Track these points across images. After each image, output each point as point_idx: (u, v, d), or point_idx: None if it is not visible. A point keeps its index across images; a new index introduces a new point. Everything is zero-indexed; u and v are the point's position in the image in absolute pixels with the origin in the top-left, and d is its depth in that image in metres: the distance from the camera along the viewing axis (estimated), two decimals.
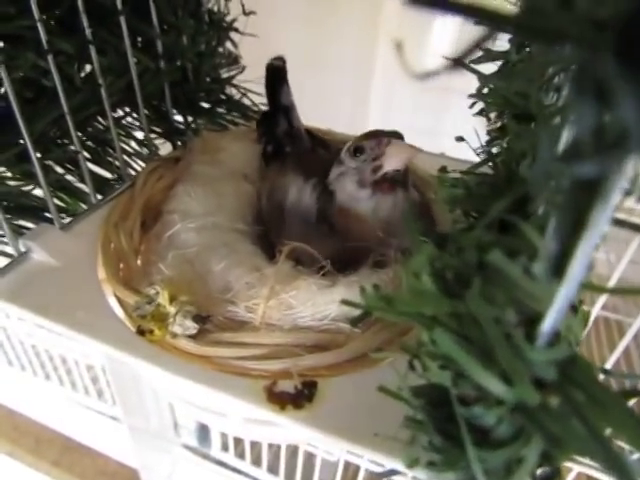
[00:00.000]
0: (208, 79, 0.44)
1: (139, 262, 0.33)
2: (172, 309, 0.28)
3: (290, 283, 0.28)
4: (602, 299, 0.37)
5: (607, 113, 0.10)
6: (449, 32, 0.67)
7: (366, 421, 0.25)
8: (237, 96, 0.45)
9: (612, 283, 0.35)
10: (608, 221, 0.12)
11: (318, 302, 0.28)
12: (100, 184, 0.39)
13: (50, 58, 0.31)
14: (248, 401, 0.25)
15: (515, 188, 0.22)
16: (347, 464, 0.44)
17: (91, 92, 0.35)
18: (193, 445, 0.60)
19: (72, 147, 0.35)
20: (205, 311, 0.28)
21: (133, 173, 0.41)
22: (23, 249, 0.33)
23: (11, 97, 0.29)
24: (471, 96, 0.27)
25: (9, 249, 0.33)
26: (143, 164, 0.42)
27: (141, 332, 0.29)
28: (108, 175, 0.40)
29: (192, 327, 0.28)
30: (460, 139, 0.28)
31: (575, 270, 0.13)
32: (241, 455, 0.54)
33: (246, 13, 0.40)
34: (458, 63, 0.10)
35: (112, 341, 0.28)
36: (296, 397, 0.26)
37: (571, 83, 0.10)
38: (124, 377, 0.46)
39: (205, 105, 0.44)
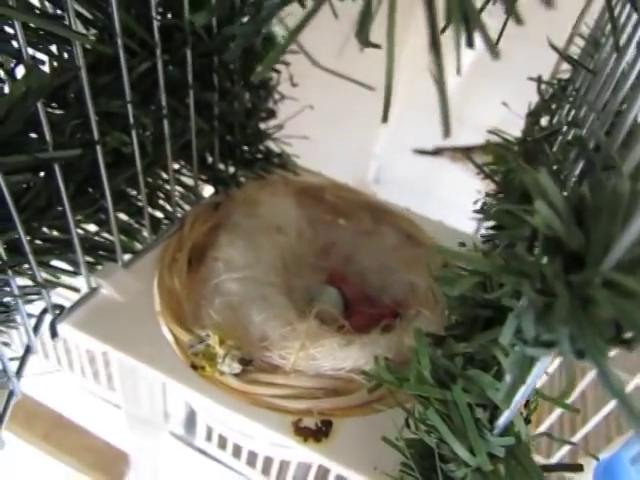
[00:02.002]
0: (249, 131, 0.52)
1: (189, 303, 0.42)
2: (221, 351, 0.37)
3: (317, 340, 0.37)
4: None
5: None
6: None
7: (368, 456, 0.34)
8: (274, 148, 0.54)
9: None
10: (540, 375, 0.21)
11: (337, 357, 0.37)
12: (152, 223, 0.47)
13: (134, 133, 0.39)
14: (279, 432, 0.35)
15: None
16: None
17: (157, 153, 0.44)
18: (180, 433, 0.68)
19: (138, 196, 0.44)
20: (247, 354, 0.37)
21: (179, 214, 0.50)
22: (94, 285, 0.42)
23: (102, 167, 0.38)
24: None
25: (75, 282, 0.42)
26: (187, 206, 0.50)
27: (194, 367, 0.38)
28: (159, 215, 0.49)
29: (237, 368, 0.37)
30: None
31: (521, 395, 0.22)
32: (222, 446, 0.63)
33: (293, 84, 0.49)
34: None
35: (170, 373, 0.37)
36: (316, 432, 0.35)
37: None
38: (125, 369, 0.55)
39: (247, 156, 0.52)
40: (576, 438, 0.57)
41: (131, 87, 0.38)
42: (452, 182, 1.15)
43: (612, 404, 0.51)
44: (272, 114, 0.55)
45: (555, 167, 0.32)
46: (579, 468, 0.25)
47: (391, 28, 0.20)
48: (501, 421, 0.24)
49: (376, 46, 0.21)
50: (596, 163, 0.19)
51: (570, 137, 0.34)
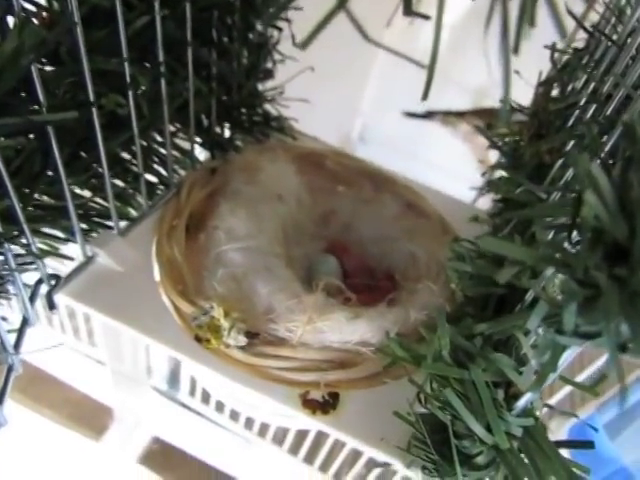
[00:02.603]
0: (246, 92, 0.50)
1: (190, 273, 0.41)
2: (226, 323, 0.37)
3: (324, 313, 0.37)
4: None
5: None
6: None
7: (376, 427, 0.35)
8: (272, 111, 0.52)
9: None
10: (569, 360, 0.21)
11: (345, 330, 0.37)
12: (147, 188, 0.46)
13: (130, 94, 0.37)
14: (287, 405, 0.35)
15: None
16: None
17: (153, 115, 0.41)
18: (163, 388, 0.69)
19: (133, 161, 0.42)
20: (252, 327, 0.37)
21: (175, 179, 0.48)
22: (90, 254, 0.40)
23: (97, 131, 0.36)
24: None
25: (67, 250, 0.41)
26: (182, 171, 0.49)
27: (198, 339, 0.37)
28: (154, 179, 0.47)
29: (243, 340, 0.36)
30: None
31: (547, 379, 0.22)
32: (206, 401, 0.64)
33: (295, 44, 0.46)
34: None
35: (175, 346, 0.37)
36: (324, 405, 0.35)
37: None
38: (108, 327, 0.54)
39: (244, 119, 0.50)
40: (554, 400, 0.59)
41: (127, 44, 0.36)
42: (439, 144, 1.14)
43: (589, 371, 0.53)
44: (270, 74, 0.53)
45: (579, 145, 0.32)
46: (590, 445, 0.26)
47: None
48: (521, 402, 0.25)
49: (425, 17, 0.19)
50: None
51: (591, 114, 0.33)
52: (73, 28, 0.31)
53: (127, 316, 0.38)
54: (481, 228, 0.43)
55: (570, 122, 0.37)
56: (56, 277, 0.38)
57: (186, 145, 0.48)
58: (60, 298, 0.38)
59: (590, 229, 0.18)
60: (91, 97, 0.34)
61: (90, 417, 0.83)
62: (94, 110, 0.35)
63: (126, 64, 0.36)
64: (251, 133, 0.50)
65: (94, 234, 0.42)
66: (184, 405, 0.68)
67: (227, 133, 0.51)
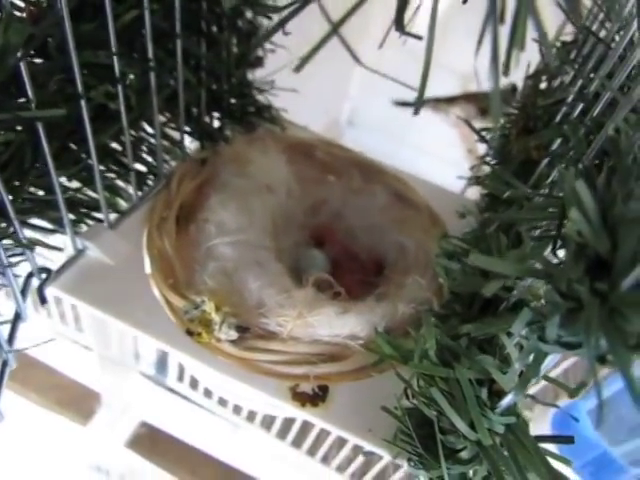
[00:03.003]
0: (235, 81, 0.50)
1: (181, 266, 0.41)
2: (217, 317, 0.37)
3: (314, 308, 0.37)
4: None
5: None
6: None
7: (365, 419, 0.36)
8: (261, 100, 0.52)
9: None
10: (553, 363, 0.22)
11: (334, 324, 0.38)
12: (137, 179, 0.46)
13: (120, 88, 0.37)
14: (278, 398, 0.36)
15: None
16: None
17: (142, 107, 0.41)
18: (151, 374, 0.70)
19: (123, 152, 0.42)
20: (243, 322, 0.38)
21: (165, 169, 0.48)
22: (80, 247, 0.40)
23: (87, 124, 0.35)
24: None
25: (55, 242, 0.40)
26: (172, 161, 0.48)
27: (190, 333, 0.38)
28: (143, 169, 0.47)
29: (234, 335, 0.37)
30: None
31: (529, 380, 0.23)
32: (194, 386, 0.65)
33: (285, 33, 0.46)
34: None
35: (167, 340, 0.37)
36: (313, 397, 0.36)
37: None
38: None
39: (234, 108, 0.50)
40: (540, 385, 0.61)
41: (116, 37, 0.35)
42: (428, 129, 1.14)
43: (571, 360, 0.55)
44: (260, 62, 0.52)
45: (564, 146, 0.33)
46: (570, 440, 0.27)
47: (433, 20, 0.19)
48: (505, 402, 0.26)
49: (418, 37, 0.20)
50: (630, 170, 0.19)
51: (578, 112, 0.34)
52: (61, 22, 0.30)
53: (118, 310, 0.38)
54: (470, 221, 0.44)
55: (558, 119, 0.38)
56: (47, 270, 0.39)
57: (176, 135, 0.48)
58: (51, 291, 0.39)
59: (574, 244, 0.19)
60: (80, 90, 0.34)
61: (77, 401, 0.83)
62: (83, 103, 0.34)
63: (115, 58, 0.35)
64: (241, 123, 0.50)
65: (84, 226, 0.42)
66: (172, 390, 0.69)
67: (217, 123, 0.50)
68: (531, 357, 0.23)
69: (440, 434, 0.29)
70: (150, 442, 0.72)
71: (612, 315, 0.18)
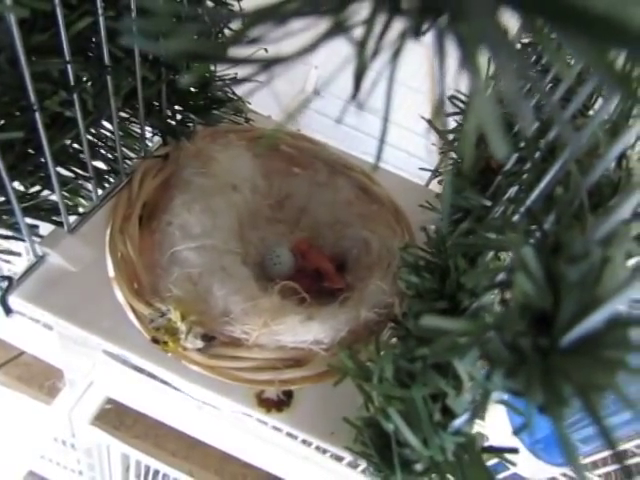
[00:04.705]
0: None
1: (145, 272, 0.41)
2: (183, 327, 0.38)
3: (279, 317, 0.39)
4: None
5: None
6: None
7: (328, 423, 0.38)
8: (226, 90, 0.51)
9: None
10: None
11: (299, 332, 0.39)
12: (97, 178, 0.45)
13: (76, 95, 0.35)
14: (244, 405, 0.38)
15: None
16: None
17: (100, 109, 0.40)
18: (115, 352, 0.70)
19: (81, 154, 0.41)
20: (210, 330, 0.39)
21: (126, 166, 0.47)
22: (40, 254, 0.40)
23: (41, 132, 0.34)
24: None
25: (16, 247, 0.40)
26: (132, 154, 0.48)
27: (156, 341, 0.39)
28: (103, 167, 0.46)
29: (200, 344, 0.38)
30: None
31: (478, 413, 0.26)
32: None
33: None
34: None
35: (132, 349, 0.38)
36: (278, 403, 0.38)
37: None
38: None
39: (196, 102, 0.49)
40: None
41: (69, 42, 0.34)
42: (395, 99, 1.14)
43: None
44: None
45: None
46: (514, 451, 0.30)
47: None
48: (456, 424, 0.28)
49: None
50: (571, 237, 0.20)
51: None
52: (10, 35, 0.29)
53: (82, 318, 0.39)
54: (432, 216, 0.45)
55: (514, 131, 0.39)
56: (8, 278, 0.38)
57: (138, 129, 0.47)
58: (13, 301, 0.38)
59: (520, 301, 0.21)
60: (33, 102, 0.33)
61: (40, 379, 0.83)
62: (37, 115, 0.33)
63: (69, 67, 0.34)
64: (203, 116, 0.49)
65: (45, 229, 0.41)
66: (137, 368, 0.70)
67: (178, 117, 0.49)
68: (479, 391, 0.24)
69: (397, 446, 0.31)
70: (116, 418, 0.73)
71: (550, 373, 0.20)
